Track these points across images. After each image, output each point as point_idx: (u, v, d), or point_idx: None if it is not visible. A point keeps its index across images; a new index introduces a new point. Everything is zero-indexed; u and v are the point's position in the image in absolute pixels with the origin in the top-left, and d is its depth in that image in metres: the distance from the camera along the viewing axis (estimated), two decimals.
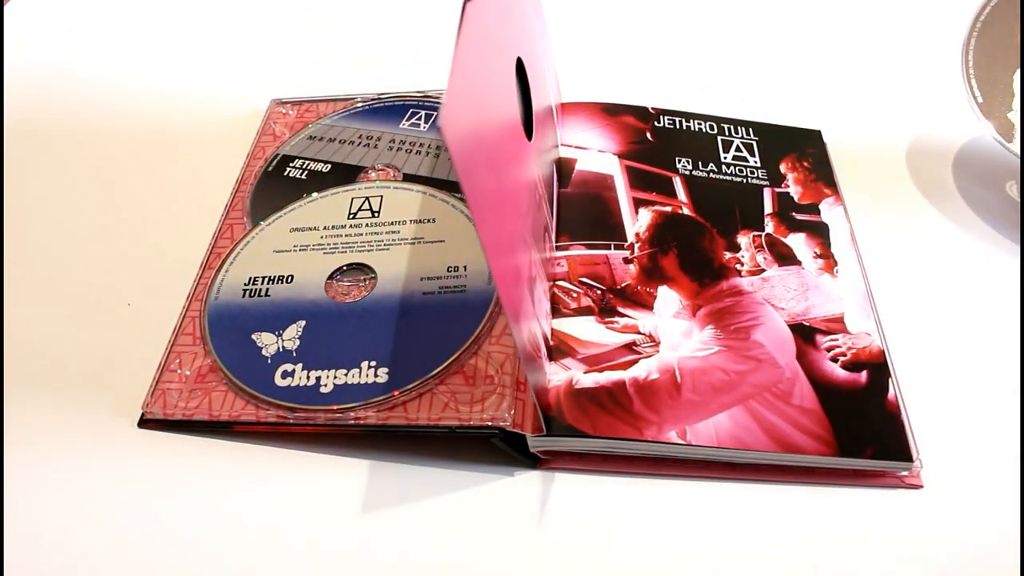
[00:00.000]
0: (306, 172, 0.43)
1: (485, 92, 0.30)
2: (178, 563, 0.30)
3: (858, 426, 0.31)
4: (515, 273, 0.34)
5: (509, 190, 0.31)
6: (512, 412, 0.31)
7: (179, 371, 0.34)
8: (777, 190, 0.42)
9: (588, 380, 0.33)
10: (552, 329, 0.35)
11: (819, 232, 0.40)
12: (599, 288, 0.37)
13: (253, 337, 0.35)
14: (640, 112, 0.46)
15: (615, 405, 0.32)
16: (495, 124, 0.30)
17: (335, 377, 0.33)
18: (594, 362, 0.34)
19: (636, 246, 0.39)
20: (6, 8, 0.58)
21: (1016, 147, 0.39)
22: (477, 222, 0.24)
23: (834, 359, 0.34)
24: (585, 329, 0.35)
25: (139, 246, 0.42)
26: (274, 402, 0.33)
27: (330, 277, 0.37)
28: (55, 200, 0.44)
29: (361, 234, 0.39)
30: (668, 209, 0.41)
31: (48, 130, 0.49)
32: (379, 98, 0.47)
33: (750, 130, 0.46)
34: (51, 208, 0.44)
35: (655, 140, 0.45)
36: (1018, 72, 0.40)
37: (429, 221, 0.39)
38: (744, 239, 0.40)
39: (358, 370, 0.33)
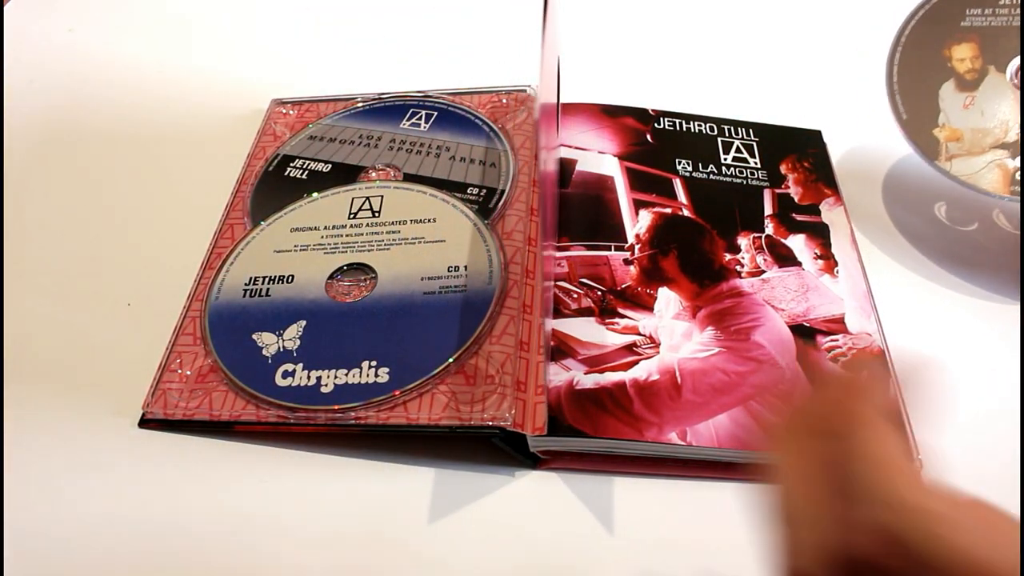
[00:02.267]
0: (307, 172, 0.43)
1: (548, 89, 0.34)
2: (179, 563, 0.30)
3: None
4: (550, 269, 0.35)
5: (549, 180, 0.32)
6: (512, 412, 0.31)
7: (180, 371, 0.34)
8: (777, 191, 0.42)
9: (589, 381, 0.33)
10: (553, 329, 0.35)
11: (819, 233, 0.40)
12: (599, 289, 0.37)
13: (254, 337, 0.35)
14: (640, 114, 0.47)
15: (615, 406, 0.32)
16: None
17: (336, 377, 0.33)
18: (595, 363, 0.34)
19: (636, 247, 0.39)
20: (6, 8, 0.58)
21: (945, 165, 0.40)
22: (539, 211, 0.27)
23: (834, 359, 0.34)
24: (586, 330, 0.35)
25: (139, 246, 0.42)
26: (275, 402, 0.33)
27: (331, 277, 0.37)
28: (55, 200, 0.44)
29: (361, 234, 0.39)
30: (668, 211, 0.41)
31: (48, 130, 0.49)
32: (380, 98, 0.47)
33: (750, 131, 0.46)
34: (51, 208, 0.44)
35: (655, 142, 0.45)
36: (945, 85, 0.40)
37: (429, 221, 0.40)
38: (744, 240, 0.40)
39: (359, 370, 0.33)
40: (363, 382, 0.33)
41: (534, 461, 0.32)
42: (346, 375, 0.33)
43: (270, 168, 0.44)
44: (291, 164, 0.44)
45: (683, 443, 0.31)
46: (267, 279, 0.37)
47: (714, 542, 0.30)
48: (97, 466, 0.33)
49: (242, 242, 0.39)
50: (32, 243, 0.42)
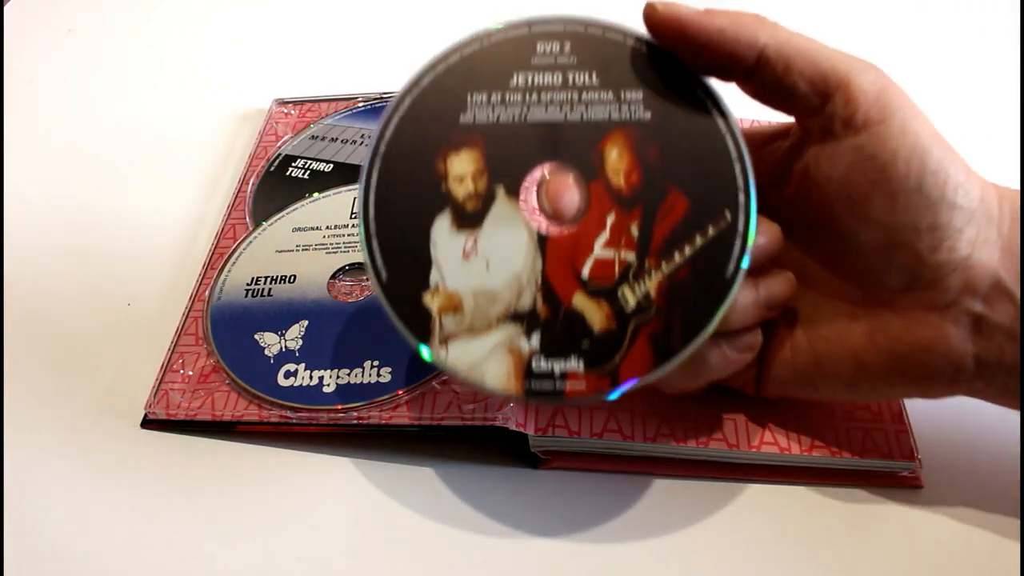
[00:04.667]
0: (308, 172, 0.43)
1: None
2: (180, 564, 0.30)
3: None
4: None
5: None
6: (514, 412, 0.31)
7: (182, 371, 0.35)
8: None
9: None
10: None
11: None
12: None
13: (256, 337, 0.35)
14: None
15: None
16: None
17: (338, 377, 0.33)
18: None
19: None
20: (6, 8, 0.58)
21: (439, 351, 0.26)
22: None
23: None
24: None
25: (140, 246, 0.42)
26: (277, 402, 0.33)
27: (332, 277, 0.37)
28: (55, 200, 0.44)
29: None
30: None
31: (48, 130, 0.49)
32: (381, 97, 0.47)
33: None
34: (51, 208, 0.44)
35: None
36: (440, 221, 0.26)
37: None
38: None
39: (361, 370, 0.34)
40: (365, 382, 0.33)
41: (535, 461, 0.32)
42: (348, 375, 0.33)
43: (272, 168, 0.44)
44: (293, 164, 0.44)
45: (683, 444, 0.31)
46: (269, 279, 0.38)
47: (714, 542, 0.30)
48: (99, 467, 0.33)
49: (244, 242, 0.39)
50: (32, 243, 0.42)
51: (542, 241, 0.27)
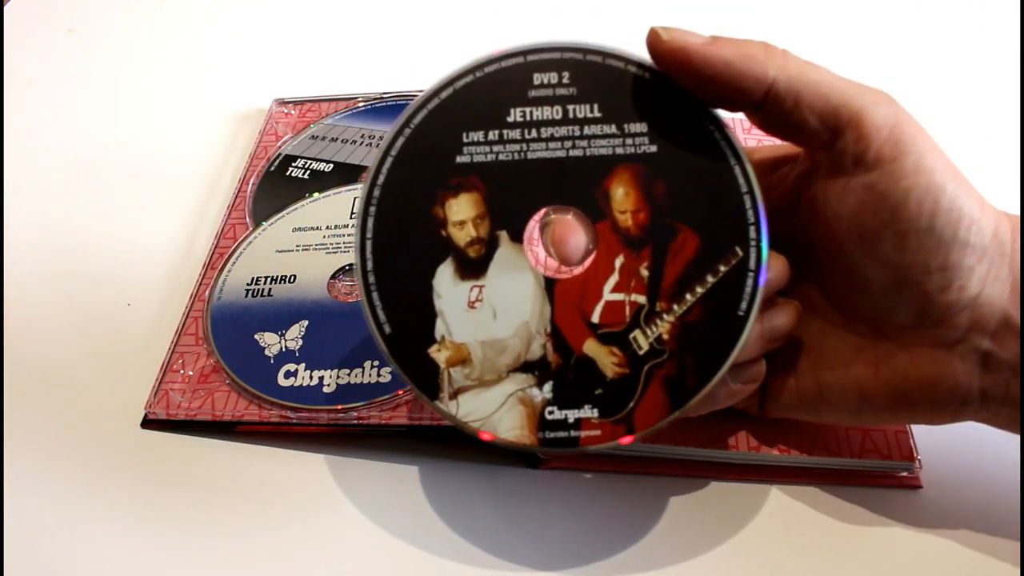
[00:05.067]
0: (308, 172, 0.43)
1: None
2: (180, 564, 0.30)
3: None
4: None
5: None
6: None
7: (182, 371, 0.35)
8: None
9: None
10: None
11: None
12: None
13: (256, 337, 0.35)
14: None
15: None
16: None
17: (338, 377, 0.33)
18: None
19: None
20: (6, 8, 0.58)
21: (449, 405, 0.25)
22: None
23: None
24: None
25: (140, 246, 0.42)
26: (277, 402, 0.33)
27: (333, 277, 0.38)
28: (55, 200, 0.44)
29: None
30: None
31: (48, 130, 0.49)
32: (381, 97, 0.47)
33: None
34: (51, 208, 0.44)
35: None
36: (442, 270, 0.25)
37: None
38: None
39: (361, 370, 0.34)
40: (365, 382, 0.33)
41: (535, 461, 0.32)
42: (348, 375, 0.33)
43: (272, 168, 0.44)
44: (293, 164, 0.44)
45: (683, 444, 0.31)
46: (269, 279, 0.38)
47: (714, 542, 0.30)
48: (99, 467, 0.33)
49: (244, 242, 0.39)
50: (32, 243, 0.42)
51: (549, 286, 0.26)
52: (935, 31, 0.54)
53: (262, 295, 0.37)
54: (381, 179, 0.26)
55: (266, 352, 0.35)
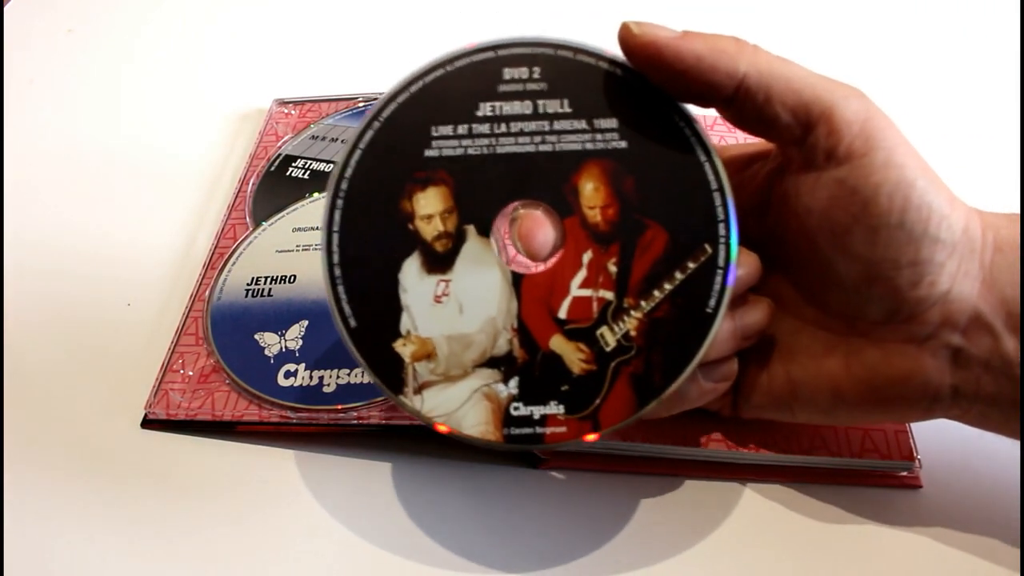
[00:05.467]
0: (308, 172, 0.43)
1: None
2: (180, 564, 0.30)
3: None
4: None
5: None
6: None
7: (182, 371, 0.35)
8: None
9: None
10: None
11: None
12: None
13: (256, 337, 0.35)
14: None
15: None
16: None
17: (338, 377, 0.33)
18: None
19: None
20: (6, 8, 0.58)
21: (414, 400, 0.25)
22: None
23: None
24: None
25: (140, 246, 0.42)
26: (277, 402, 0.33)
27: None
28: (55, 200, 0.44)
29: None
30: None
31: (48, 130, 0.49)
32: None
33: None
34: (51, 208, 0.44)
35: None
36: (408, 264, 0.25)
37: None
38: None
39: (361, 370, 0.34)
40: (366, 382, 0.33)
41: (535, 461, 0.32)
42: (348, 375, 0.33)
43: (272, 168, 0.44)
44: (293, 164, 0.44)
45: (683, 445, 0.31)
46: (269, 279, 0.38)
47: (714, 542, 0.30)
48: (99, 467, 0.33)
49: (244, 242, 0.39)
50: (32, 243, 0.42)
51: (516, 281, 0.26)
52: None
53: (262, 295, 0.37)
54: (349, 172, 0.26)
55: (266, 352, 0.35)
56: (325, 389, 0.33)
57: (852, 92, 0.25)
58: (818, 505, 0.31)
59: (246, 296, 0.37)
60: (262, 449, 0.33)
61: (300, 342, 0.35)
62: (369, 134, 0.26)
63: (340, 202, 0.26)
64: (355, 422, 0.32)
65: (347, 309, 0.25)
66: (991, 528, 0.30)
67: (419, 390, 0.25)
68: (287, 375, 0.34)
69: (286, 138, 0.45)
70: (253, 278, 0.38)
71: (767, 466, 0.31)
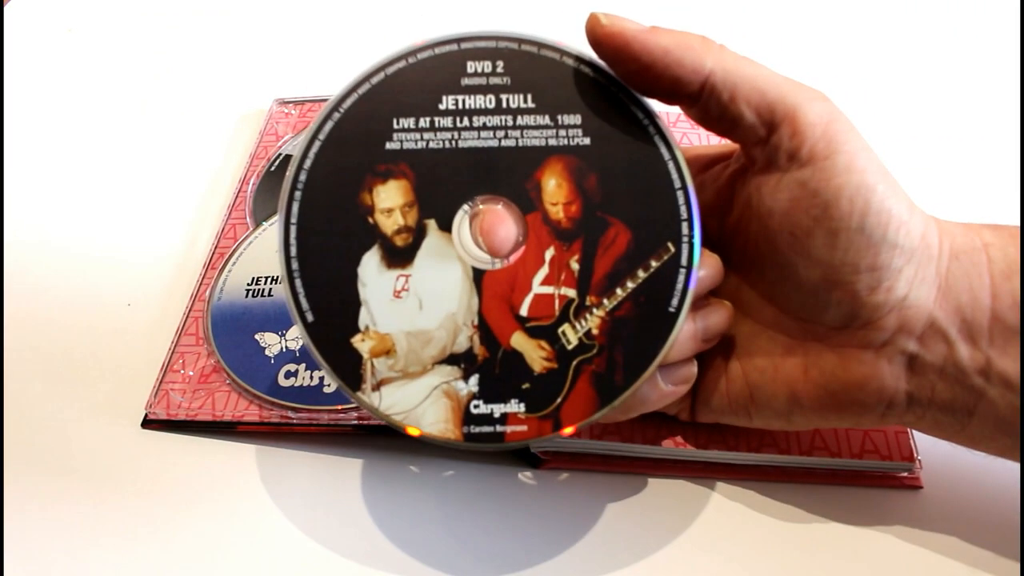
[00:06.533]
0: None
1: None
2: (180, 564, 0.30)
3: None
4: None
5: None
6: None
7: (182, 371, 0.35)
8: None
9: None
10: None
11: None
12: None
13: (256, 337, 0.35)
14: None
15: None
16: None
17: None
18: None
19: None
20: (6, 8, 0.58)
21: (371, 396, 0.25)
22: None
23: None
24: None
25: (140, 246, 0.42)
26: (277, 402, 0.33)
27: None
28: (55, 200, 0.44)
29: None
30: None
31: (48, 130, 0.49)
32: None
33: None
34: (51, 208, 0.44)
35: None
36: (368, 258, 0.25)
37: None
38: None
39: None
40: None
41: (535, 461, 0.32)
42: None
43: (272, 168, 0.44)
44: None
45: (683, 445, 0.31)
46: (269, 279, 0.38)
47: (714, 542, 0.30)
48: (99, 467, 0.33)
49: (244, 242, 0.39)
50: (32, 243, 0.42)
51: (477, 278, 0.25)
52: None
53: (262, 295, 0.37)
54: (308, 163, 0.25)
55: (266, 352, 0.35)
56: (325, 389, 0.33)
57: (816, 95, 0.25)
58: (819, 506, 0.31)
59: (246, 296, 0.37)
60: (262, 449, 0.33)
61: (300, 342, 0.35)
62: (329, 125, 0.25)
63: (298, 194, 0.25)
64: (355, 422, 0.32)
65: (304, 303, 0.25)
66: (992, 529, 0.30)
67: (377, 387, 0.24)
68: (288, 375, 0.34)
69: (286, 138, 0.45)
70: (253, 278, 0.38)
71: (767, 467, 0.31)
